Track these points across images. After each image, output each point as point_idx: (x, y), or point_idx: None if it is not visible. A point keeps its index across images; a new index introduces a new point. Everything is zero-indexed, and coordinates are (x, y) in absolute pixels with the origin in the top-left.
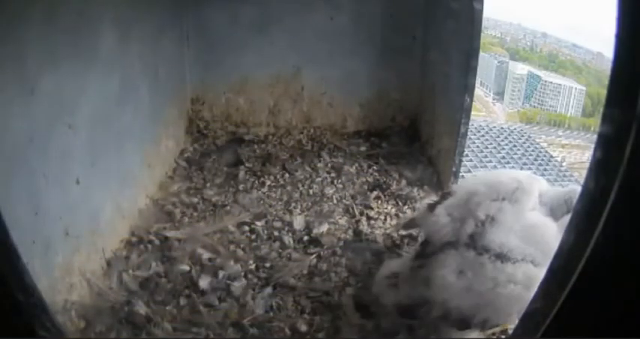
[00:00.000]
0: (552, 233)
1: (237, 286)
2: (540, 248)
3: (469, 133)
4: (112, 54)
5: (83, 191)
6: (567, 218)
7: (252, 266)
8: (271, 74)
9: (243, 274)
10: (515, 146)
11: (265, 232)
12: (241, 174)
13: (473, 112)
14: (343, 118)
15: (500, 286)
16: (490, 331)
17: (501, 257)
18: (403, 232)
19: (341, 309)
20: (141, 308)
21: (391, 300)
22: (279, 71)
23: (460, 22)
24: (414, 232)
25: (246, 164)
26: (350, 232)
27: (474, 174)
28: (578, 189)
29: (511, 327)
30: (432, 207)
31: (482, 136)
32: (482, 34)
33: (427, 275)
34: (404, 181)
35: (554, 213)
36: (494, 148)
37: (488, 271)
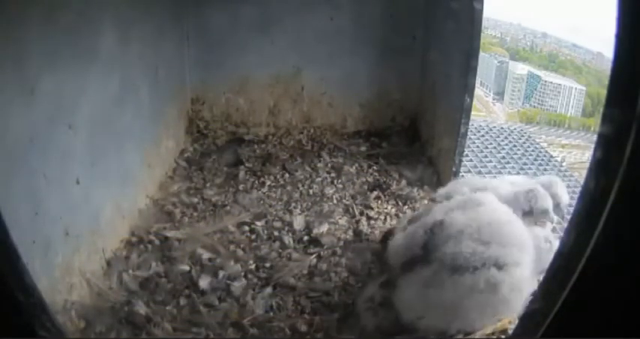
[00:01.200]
0: (517, 227)
1: (237, 286)
2: (504, 245)
3: (469, 133)
4: (112, 54)
5: (83, 191)
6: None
7: (252, 266)
8: (271, 74)
9: (243, 274)
10: (515, 146)
11: (265, 232)
12: (241, 174)
13: (473, 112)
14: (343, 118)
15: (465, 297)
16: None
17: (457, 269)
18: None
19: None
20: (141, 308)
21: (372, 324)
22: (279, 71)
23: (460, 22)
24: None
25: (246, 164)
26: (350, 232)
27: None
28: (538, 187)
29: (511, 327)
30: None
31: (482, 136)
32: (482, 34)
33: (394, 300)
34: (404, 181)
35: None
36: (494, 148)
37: (447, 287)
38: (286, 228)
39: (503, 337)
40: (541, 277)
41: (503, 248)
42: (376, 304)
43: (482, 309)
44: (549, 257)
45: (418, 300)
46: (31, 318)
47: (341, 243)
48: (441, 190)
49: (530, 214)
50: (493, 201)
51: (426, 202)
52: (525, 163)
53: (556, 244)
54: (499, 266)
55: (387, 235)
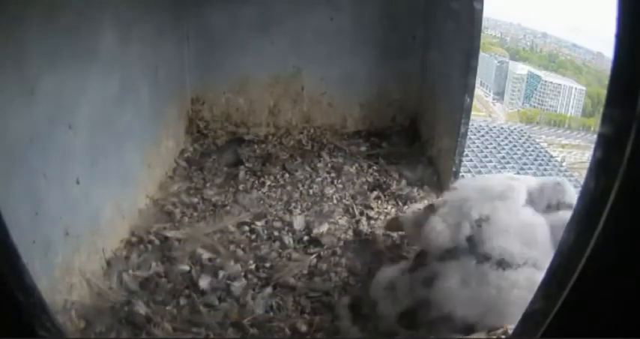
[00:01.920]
0: (546, 231)
1: (237, 286)
2: (539, 249)
3: (469, 133)
4: (112, 54)
5: (83, 191)
6: (560, 213)
7: (252, 266)
8: (271, 74)
9: (243, 274)
10: (515, 146)
11: (265, 232)
12: (241, 174)
13: (473, 112)
14: (343, 118)
15: (504, 292)
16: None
17: (503, 264)
18: (388, 233)
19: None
20: (141, 308)
21: (390, 309)
22: (279, 71)
23: (460, 22)
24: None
25: (246, 164)
26: (350, 232)
27: (463, 181)
28: (565, 180)
29: (511, 327)
30: (429, 209)
31: (482, 136)
32: (482, 34)
33: (429, 287)
34: (404, 181)
35: (541, 205)
36: (494, 148)
37: (491, 280)
38: (286, 228)
39: (503, 337)
40: None
41: (539, 251)
42: (398, 292)
43: (518, 306)
44: None
45: (458, 290)
46: (31, 318)
47: (341, 243)
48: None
49: (554, 208)
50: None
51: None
52: (525, 163)
53: None
54: (537, 267)
55: (394, 222)
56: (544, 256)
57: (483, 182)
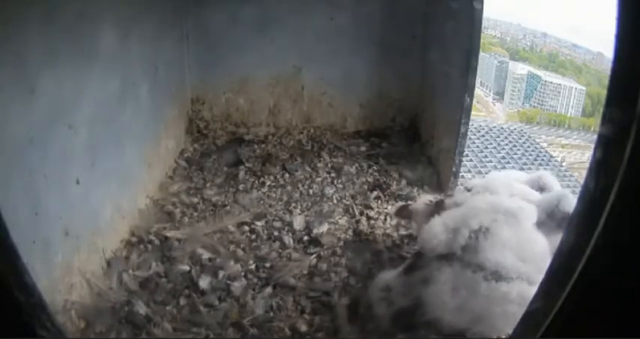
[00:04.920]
0: (545, 250)
1: (237, 286)
2: (535, 265)
3: (469, 133)
4: (112, 54)
5: (83, 191)
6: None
7: (252, 266)
8: (271, 74)
9: (243, 274)
10: (515, 146)
11: (265, 232)
12: (241, 174)
13: (473, 112)
14: (343, 118)
15: (495, 304)
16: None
17: (496, 276)
18: (396, 219)
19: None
20: (141, 308)
21: (384, 310)
22: (279, 71)
23: (460, 22)
24: (413, 231)
25: (246, 164)
26: (350, 232)
27: (474, 181)
28: (567, 192)
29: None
30: (439, 206)
31: (483, 136)
32: (482, 34)
33: (421, 288)
34: (404, 181)
35: (549, 221)
36: (494, 148)
37: (483, 290)
38: (286, 228)
39: (503, 337)
40: None
41: (535, 267)
42: (393, 293)
43: (508, 319)
44: None
45: (448, 297)
46: (31, 318)
47: (341, 243)
48: (477, 182)
49: (556, 218)
50: (531, 217)
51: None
52: (525, 163)
53: None
54: (530, 282)
55: (404, 210)
56: (539, 273)
57: (494, 198)
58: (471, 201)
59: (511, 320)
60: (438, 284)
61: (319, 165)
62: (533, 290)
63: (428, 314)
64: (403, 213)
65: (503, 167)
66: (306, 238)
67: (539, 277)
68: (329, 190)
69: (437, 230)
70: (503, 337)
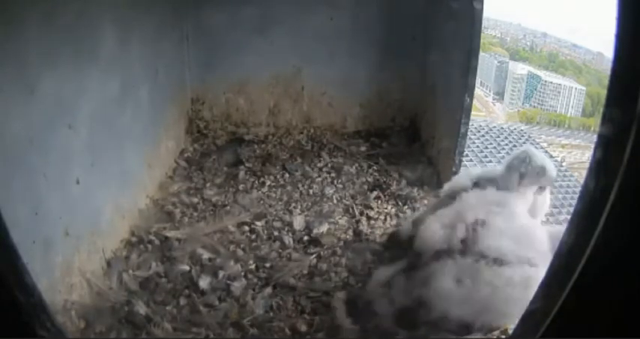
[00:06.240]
0: (541, 233)
1: (237, 286)
2: (534, 248)
3: (469, 133)
4: (112, 54)
5: (83, 191)
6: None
7: (252, 266)
8: (271, 74)
9: (243, 274)
10: (515, 146)
11: (265, 232)
12: (241, 174)
13: (473, 112)
14: (343, 118)
15: (499, 290)
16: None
17: (498, 262)
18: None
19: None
20: (141, 308)
21: (385, 308)
22: (279, 71)
23: (460, 22)
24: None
25: (246, 164)
26: (350, 232)
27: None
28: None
29: (511, 327)
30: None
31: (483, 136)
32: (482, 34)
33: (423, 286)
34: (404, 181)
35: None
36: (494, 148)
37: (486, 277)
38: (286, 228)
39: (503, 337)
40: None
41: (534, 250)
42: (394, 290)
43: (512, 304)
44: None
45: (453, 288)
46: (31, 318)
47: (341, 243)
48: (446, 187)
49: (528, 175)
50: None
51: (426, 201)
52: None
53: None
54: (532, 264)
55: (393, 237)
56: (540, 255)
57: (483, 192)
58: (462, 198)
59: (515, 303)
60: (442, 278)
61: (319, 165)
62: (535, 272)
63: (434, 311)
64: (393, 241)
65: None
66: (306, 238)
67: (540, 259)
68: (329, 190)
69: (434, 228)
70: (504, 337)
